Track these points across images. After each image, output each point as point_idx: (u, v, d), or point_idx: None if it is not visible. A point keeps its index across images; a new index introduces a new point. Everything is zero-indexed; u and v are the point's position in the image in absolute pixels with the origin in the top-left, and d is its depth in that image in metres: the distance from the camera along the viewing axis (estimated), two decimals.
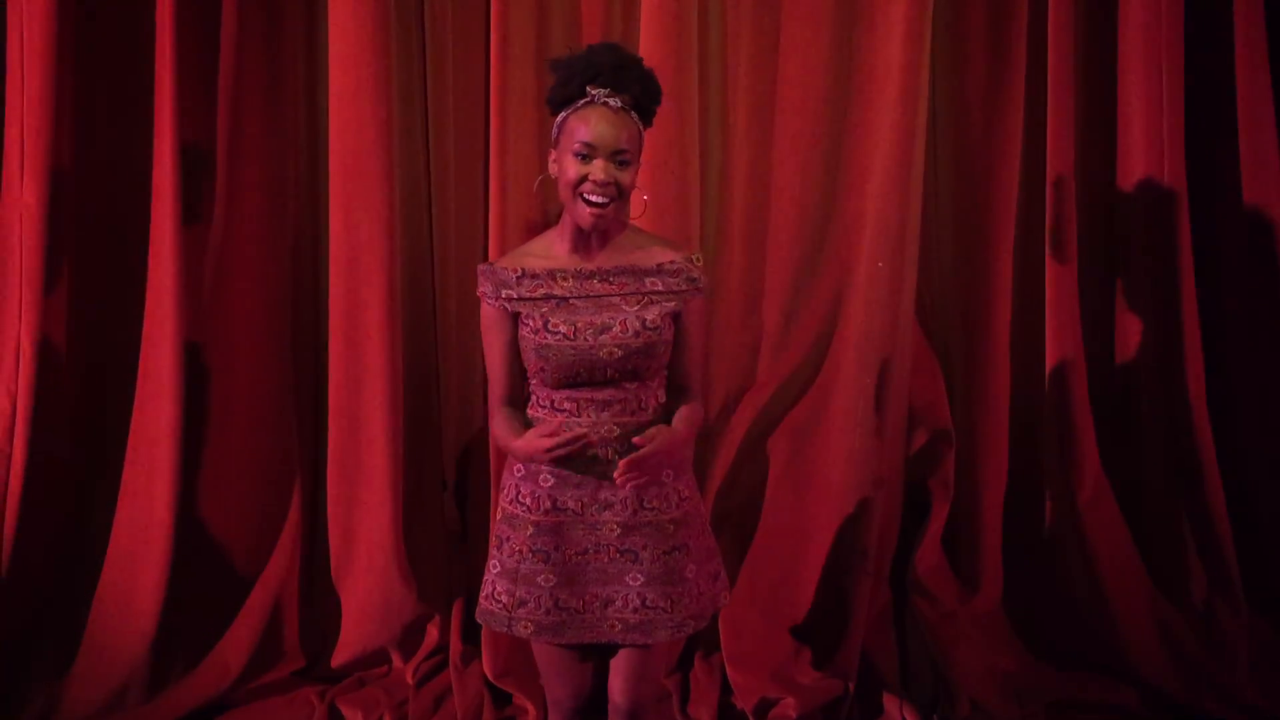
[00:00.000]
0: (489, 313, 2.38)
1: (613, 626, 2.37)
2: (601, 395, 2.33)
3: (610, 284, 2.34)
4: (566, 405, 2.34)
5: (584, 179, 2.26)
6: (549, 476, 2.36)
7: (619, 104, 2.28)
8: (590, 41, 3.32)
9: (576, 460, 2.33)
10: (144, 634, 3.31)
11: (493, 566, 2.43)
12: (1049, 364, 3.53)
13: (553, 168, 2.34)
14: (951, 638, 3.42)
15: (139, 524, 3.35)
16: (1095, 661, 3.42)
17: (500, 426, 2.38)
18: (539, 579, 2.37)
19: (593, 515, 2.36)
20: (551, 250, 2.38)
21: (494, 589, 2.41)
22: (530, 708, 3.24)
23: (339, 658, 3.47)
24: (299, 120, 3.45)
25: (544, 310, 2.32)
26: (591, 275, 2.34)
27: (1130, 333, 3.55)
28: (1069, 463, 3.52)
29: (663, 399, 2.41)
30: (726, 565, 3.42)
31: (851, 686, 3.28)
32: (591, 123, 2.26)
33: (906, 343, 3.47)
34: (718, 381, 3.51)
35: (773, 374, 3.54)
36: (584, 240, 2.35)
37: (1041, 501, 3.57)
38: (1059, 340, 3.49)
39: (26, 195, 3.24)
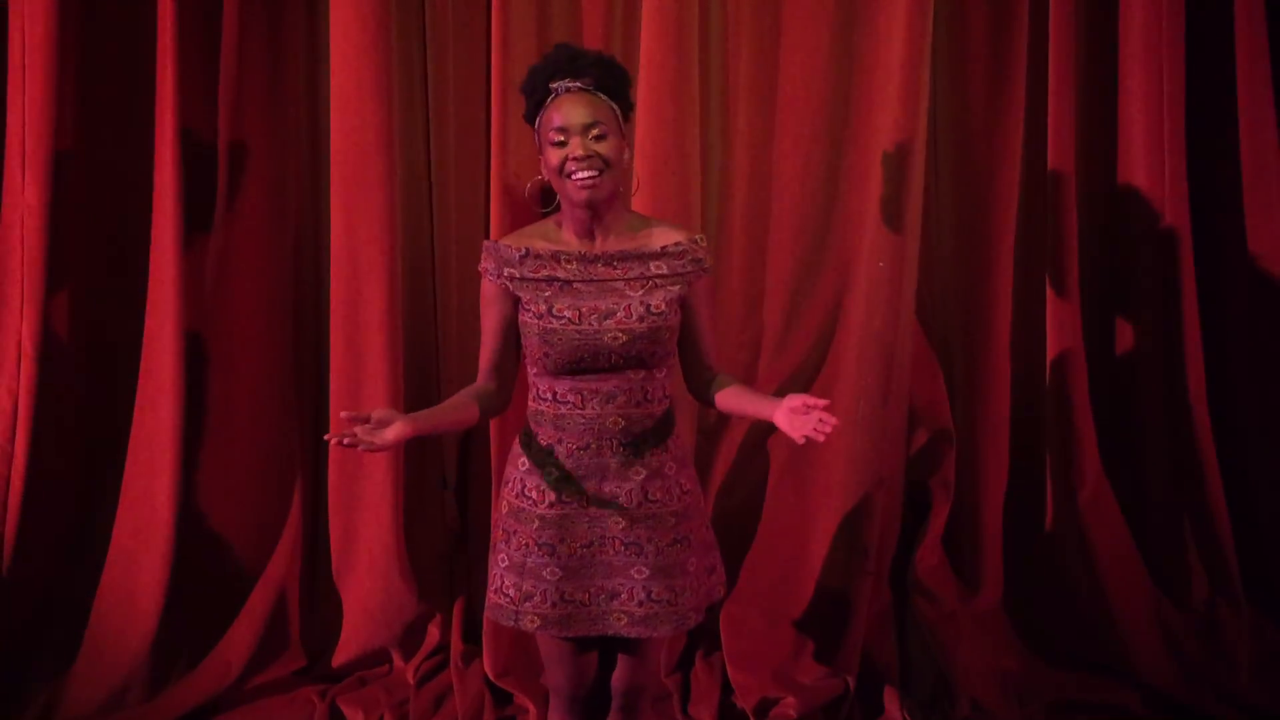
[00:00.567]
0: (489, 288, 2.39)
1: (618, 619, 2.39)
2: (606, 386, 2.34)
3: (614, 268, 2.35)
4: (570, 398, 2.35)
5: (565, 160, 2.29)
6: (553, 469, 2.38)
7: (580, 86, 2.33)
8: (591, 41, 3.34)
9: (583, 454, 2.35)
10: (145, 633, 3.31)
11: (500, 561, 2.44)
12: (1049, 363, 3.53)
13: (542, 170, 2.37)
14: (952, 637, 3.42)
15: (140, 523, 3.36)
16: (1096, 661, 3.42)
17: (451, 397, 2.40)
18: (544, 572, 2.38)
19: (597, 508, 2.38)
20: (556, 234, 2.40)
21: (502, 583, 2.43)
22: (531, 707, 3.24)
23: (340, 657, 3.47)
24: (300, 119, 3.45)
25: (547, 295, 2.33)
26: (596, 259, 2.35)
27: (1131, 332, 3.55)
28: (1069, 462, 3.52)
29: (669, 390, 2.43)
30: (728, 564, 3.42)
31: (852, 686, 3.28)
32: (560, 109, 2.31)
33: (907, 342, 3.47)
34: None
35: (774, 373, 3.54)
36: (586, 224, 2.36)
37: (1042, 501, 3.57)
38: (1059, 339, 3.50)
39: (28, 194, 3.24)
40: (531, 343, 2.35)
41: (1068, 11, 3.36)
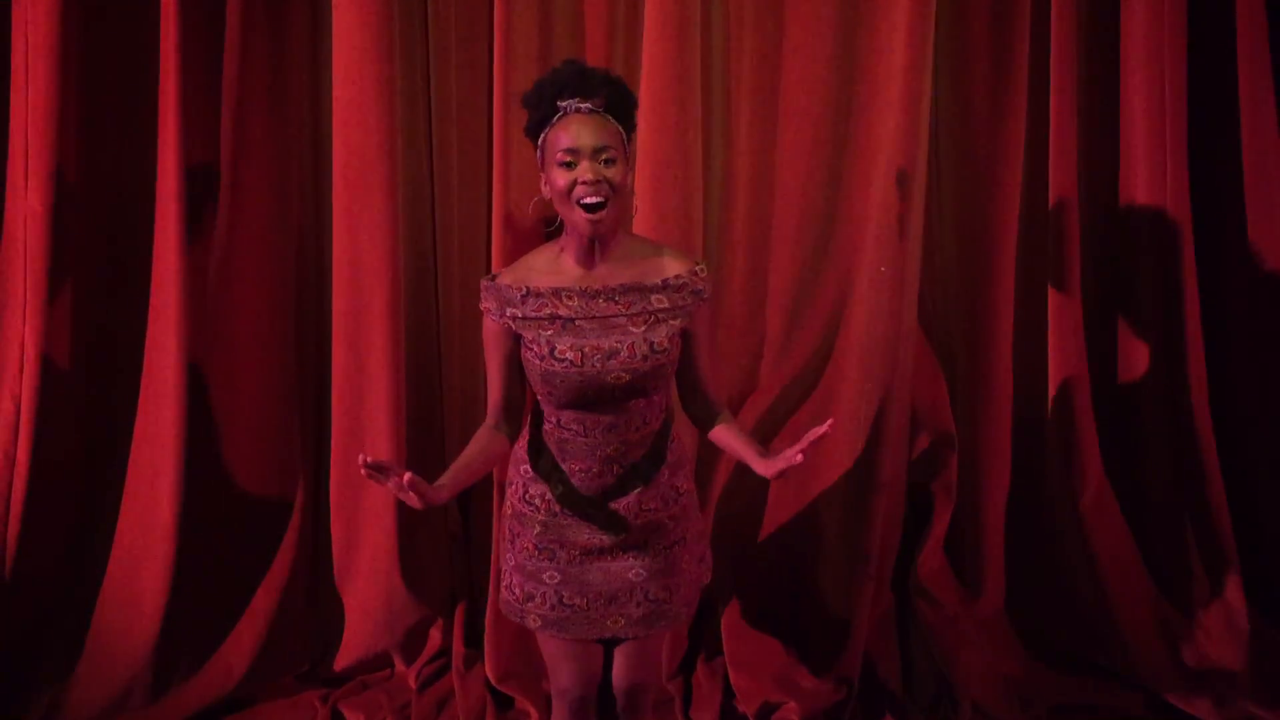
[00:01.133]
0: (491, 328, 2.38)
1: (616, 623, 2.42)
2: (608, 418, 2.35)
3: (616, 303, 2.33)
4: (574, 426, 2.37)
5: (573, 184, 2.25)
6: (558, 484, 2.41)
7: (590, 107, 2.29)
8: (594, 47, 3.35)
9: (584, 474, 2.38)
10: (148, 637, 3.31)
11: (508, 560, 2.49)
12: (1051, 367, 3.53)
13: (545, 189, 2.33)
14: (954, 641, 3.42)
15: (143, 527, 3.36)
16: (1098, 665, 3.42)
17: (471, 441, 2.43)
18: (544, 576, 2.42)
19: (596, 518, 2.41)
20: (556, 264, 2.37)
21: (510, 580, 2.48)
22: (532, 711, 3.25)
23: (341, 661, 3.47)
24: (303, 126, 3.45)
25: (549, 334, 2.32)
26: (597, 294, 2.33)
27: (1133, 335, 3.55)
28: (1072, 466, 3.52)
29: (663, 409, 2.44)
30: (730, 568, 3.45)
31: (854, 690, 3.28)
32: (569, 130, 2.27)
33: (909, 346, 3.46)
34: (721, 386, 3.51)
35: (775, 378, 3.54)
36: (588, 250, 2.34)
37: (1044, 505, 3.57)
38: (1061, 343, 3.50)
39: (31, 200, 3.24)
40: (534, 380, 2.36)
41: (1069, 17, 3.36)
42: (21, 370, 3.30)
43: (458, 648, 3.44)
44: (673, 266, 2.37)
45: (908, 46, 3.28)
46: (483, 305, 2.39)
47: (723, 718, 3.26)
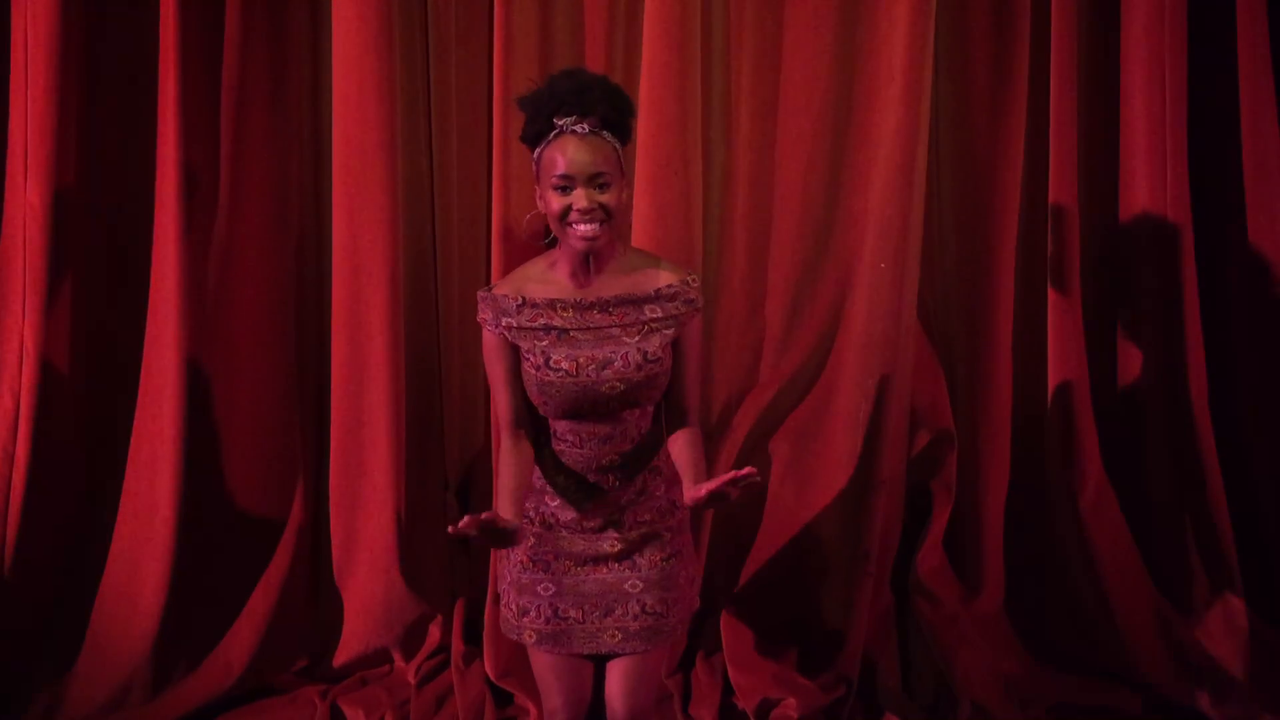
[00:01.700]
0: (490, 339, 2.39)
1: (612, 636, 2.40)
2: (602, 430, 2.36)
3: (610, 315, 2.34)
4: (569, 437, 2.38)
5: (568, 209, 2.26)
6: (553, 497, 2.41)
7: (587, 129, 2.27)
8: (593, 44, 3.34)
9: (580, 486, 2.39)
10: (147, 633, 3.31)
11: (503, 576, 2.49)
12: (1051, 366, 3.52)
13: (540, 203, 2.34)
14: (953, 640, 3.41)
15: (142, 523, 3.36)
16: (1097, 664, 3.42)
17: (499, 465, 2.44)
18: (539, 588, 2.41)
19: (591, 531, 2.41)
20: (551, 275, 2.38)
21: (506, 598, 2.47)
22: (531, 708, 3.24)
23: (341, 657, 3.47)
24: (302, 122, 3.45)
25: (544, 345, 2.33)
26: (591, 306, 2.34)
27: (1133, 334, 3.54)
28: (1071, 465, 3.51)
29: (658, 416, 2.44)
30: (729, 565, 3.45)
31: (853, 688, 3.28)
32: (565, 153, 2.26)
33: (909, 344, 3.46)
34: (719, 382, 3.51)
35: (775, 375, 3.54)
36: (582, 264, 2.35)
37: (1044, 503, 3.56)
38: (1061, 341, 3.49)
39: (31, 196, 3.24)
40: (531, 390, 2.37)
41: (1069, 15, 3.35)
42: (21, 367, 3.30)
43: (457, 644, 3.44)
44: (665, 277, 2.38)
45: (907, 44, 3.28)
46: (479, 317, 2.40)
47: (722, 714, 3.26)
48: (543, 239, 2.42)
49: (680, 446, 2.41)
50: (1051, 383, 3.52)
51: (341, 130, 3.28)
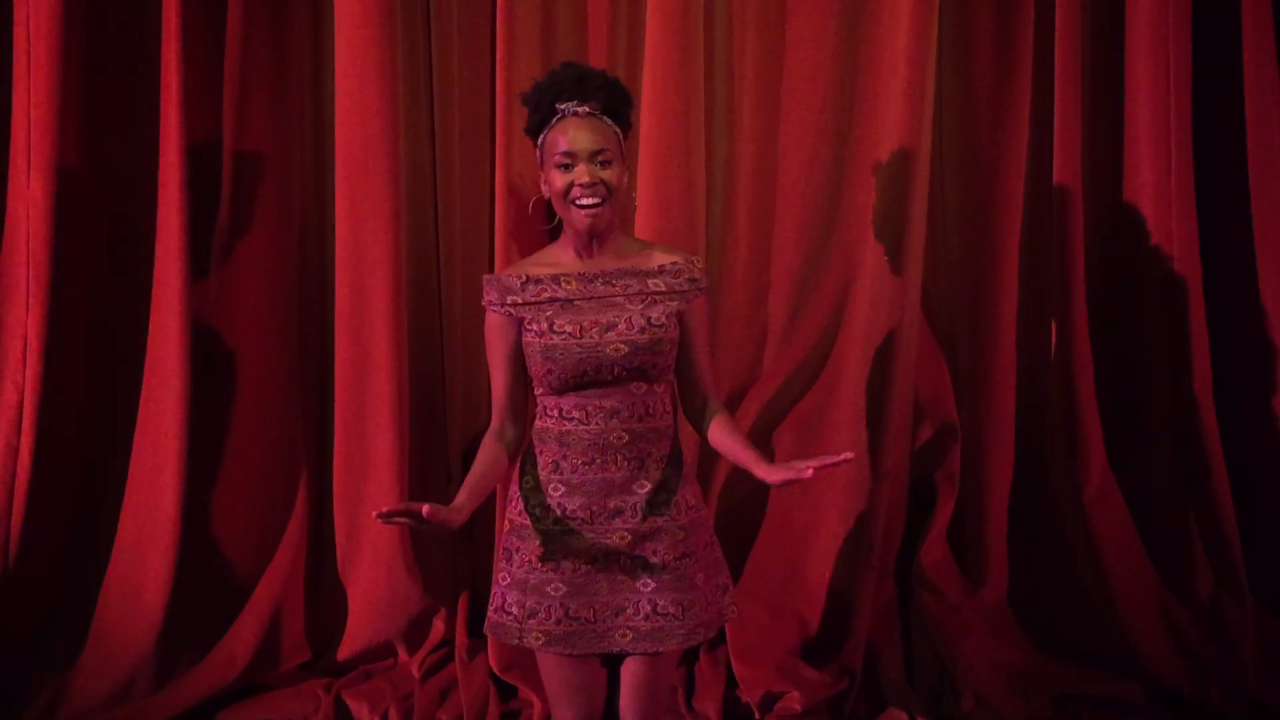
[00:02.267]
0: (493, 320, 2.39)
1: (624, 635, 2.35)
2: (610, 402, 2.34)
3: (613, 285, 2.37)
4: (575, 414, 2.35)
5: (570, 185, 2.31)
6: (558, 485, 2.37)
7: (587, 110, 2.35)
8: (596, 37, 3.34)
9: (587, 469, 2.35)
10: (151, 626, 3.32)
11: (501, 579, 2.42)
12: (1055, 357, 3.53)
13: (544, 189, 2.38)
14: (957, 632, 3.42)
15: (146, 517, 3.36)
16: (1101, 656, 3.42)
17: (479, 450, 2.42)
18: (549, 588, 2.36)
19: (602, 523, 2.36)
20: (555, 259, 2.42)
21: (504, 601, 2.40)
22: (535, 701, 3.25)
23: (345, 650, 3.47)
24: (305, 114, 3.45)
25: (548, 314, 2.34)
26: (595, 278, 2.37)
27: (1136, 327, 3.55)
28: (1075, 457, 3.51)
29: (669, 405, 2.42)
30: (732, 558, 3.44)
31: (856, 680, 3.29)
32: (566, 133, 2.32)
33: (912, 336, 3.46)
34: (723, 375, 3.51)
35: (778, 368, 3.54)
36: (586, 246, 2.38)
37: (1047, 496, 3.57)
38: (1065, 333, 3.50)
39: (33, 189, 3.24)
40: (535, 361, 2.35)
41: (1073, 5, 3.35)
42: (25, 359, 3.30)
43: (461, 637, 3.44)
44: (669, 256, 2.43)
45: (911, 36, 3.28)
46: (484, 300, 2.40)
47: (726, 707, 3.26)
48: (546, 224, 2.46)
49: (728, 440, 2.41)
50: (1055, 374, 3.52)
51: (344, 122, 3.28)
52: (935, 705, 3.26)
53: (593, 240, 2.37)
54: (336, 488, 3.45)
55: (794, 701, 3.23)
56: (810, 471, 2.12)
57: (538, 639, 2.36)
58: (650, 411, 2.37)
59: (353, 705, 3.29)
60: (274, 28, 3.37)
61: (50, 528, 3.35)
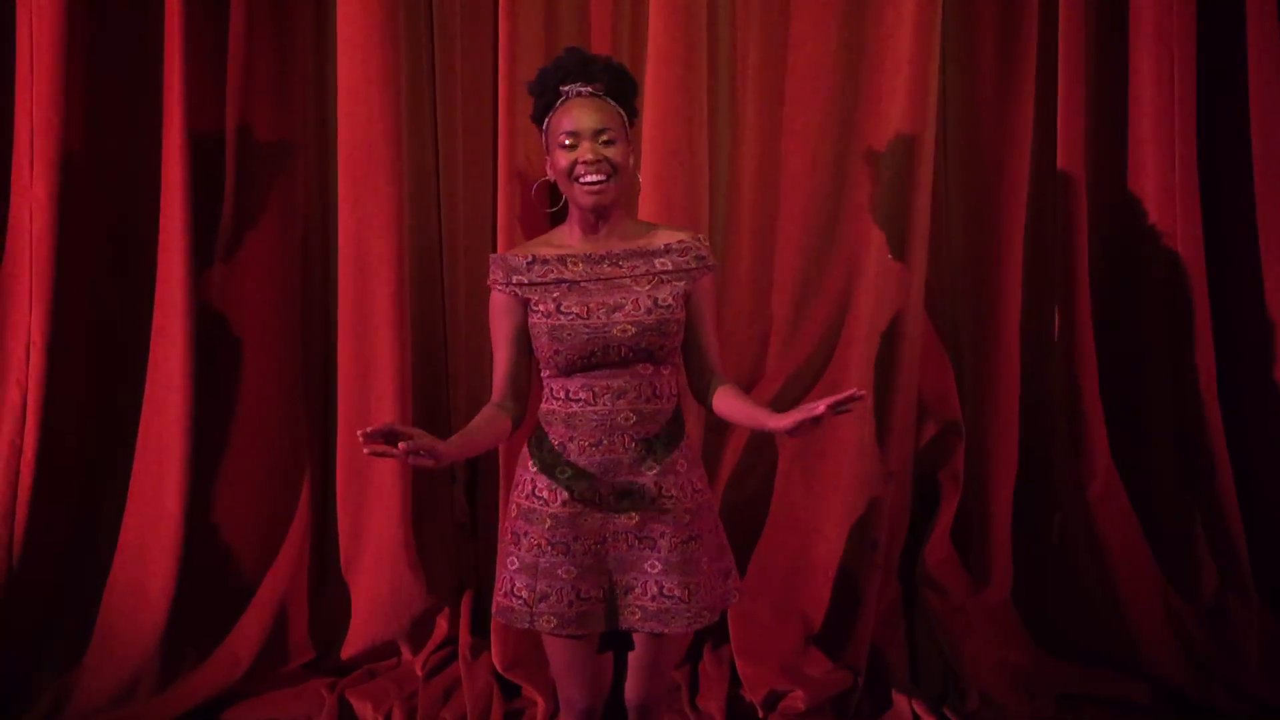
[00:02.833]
0: (498, 299, 2.41)
1: (632, 614, 2.38)
2: (616, 382, 2.35)
3: (620, 267, 2.38)
4: (582, 395, 2.36)
5: (574, 164, 2.33)
6: (566, 468, 2.38)
7: (591, 91, 2.38)
8: (599, 35, 3.33)
9: (595, 450, 2.36)
10: (155, 626, 3.32)
11: (510, 563, 2.42)
12: (1059, 355, 3.52)
13: (549, 172, 2.41)
14: (961, 630, 3.41)
15: (149, 517, 3.36)
16: (1105, 655, 3.42)
17: (478, 415, 2.39)
18: (560, 571, 2.37)
19: (611, 504, 2.38)
20: (561, 240, 2.44)
21: (513, 585, 2.40)
22: (539, 699, 3.25)
23: (348, 650, 3.47)
24: (308, 112, 3.45)
25: (555, 295, 2.36)
26: (602, 259, 2.38)
27: (1141, 325, 3.54)
28: (1079, 455, 3.51)
29: (675, 388, 2.43)
30: (736, 557, 3.43)
31: (861, 679, 3.29)
32: (570, 113, 2.36)
33: (916, 334, 3.46)
34: (727, 374, 3.50)
35: (781, 367, 3.53)
36: (591, 228, 2.40)
37: (1052, 494, 3.57)
38: (1069, 331, 3.49)
39: (36, 189, 3.24)
40: (542, 342, 2.36)
41: (1077, 3, 3.34)
42: (28, 359, 3.30)
43: (464, 636, 3.44)
44: (675, 235, 2.45)
45: (914, 33, 3.28)
46: (490, 279, 2.42)
47: (729, 706, 3.26)
48: (550, 206, 2.48)
49: (733, 402, 2.41)
50: (1060, 373, 3.52)
51: (347, 121, 3.28)
52: (939, 704, 3.25)
53: (598, 220, 2.39)
54: (340, 487, 3.45)
55: (798, 700, 3.22)
56: (821, 408, 2.09)
57: (549, 622, 2.37)
58: (657, 393, 2.38)
59: (356, 705, 3.29)
60: (276, 25, 3.36)
61: (54, 527, 3.35)
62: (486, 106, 3.43)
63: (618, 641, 2.47)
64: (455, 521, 3.60)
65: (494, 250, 3.41)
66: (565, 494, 2.37)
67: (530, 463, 2.42)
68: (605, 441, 2.36)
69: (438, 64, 3.46)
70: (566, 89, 2.38)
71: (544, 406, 2.42)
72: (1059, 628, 3.50)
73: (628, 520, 2.37)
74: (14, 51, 3.30)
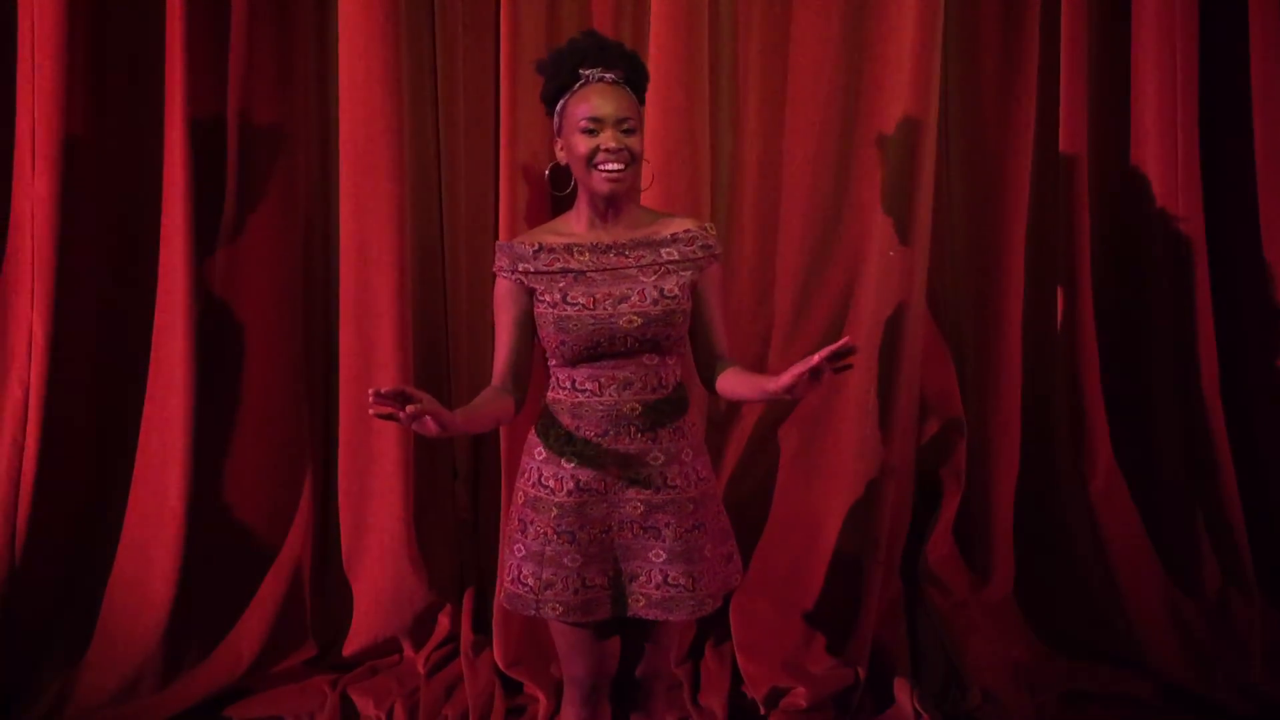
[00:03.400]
0: (503, 287, 2.41)
1: (636, 601, 2.40)
2: (623, 373, 2.36)
3: (626, 257, 2.38)
4: (588, 385, 2.37)
5: (596, 150, 2.32)
6: (572, 457, 2.39)
7: (613, 78, 2.37)
8: (601, 29, 3.32)
9: (601, 440, 2.37)
10: (157, 622, 3.32)
11: (516, 551, 2.44)
12: (1061, 352, 3.52)
13: (561, 155, 2.40)
14: (963, 627, 3.41)
15: (151, 513, 3.36)
16: (1107, 651, 3.42)
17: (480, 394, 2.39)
18: (565, 560, 2.38)
19: (616, 493, 2.39)
20: (568, 228, 2.44)
21: (519, 572, 2.42)
22: (541, 696, 3.25)
23: (351, 646, 3.48)
24: (309, 108, 3.45)
25: (561, 285, 2.36)
26: (608, 249, 2.38)
27: (1143, 320, 3.54)
28: (1081, 451, 3.51)
29: (680, 376, 2.44)
30: (740, 556, 3.44)
31: (862, 676, 3.28)
32: (592, 99, 2.34)
33: (918, 331, 3.46)
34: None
35: (784, 363, 3.53)
36: (600, 215, 2.40)
37: (1054, 491, 3.56)
38: (1071, 328, 3.49)
39: (38, 185, 3.24)
40: (548, 332, 2.37)
41: (1080, 2, 3.35)
42: (30, 357, 3.30)
43: (466, 634, 3.44)
44: (682, 224, 2.45)
45: (917, 29, 3.28)
46: (495, 266, 2.43)
47: (731, 703, 3.26)
48: (562, 189, 2.47)
49: (732, 377, 2.41)
50: (1062, 369, 3.52)
51: (348, 119, 3.28)
52: (942, 701, 3.25)
53: (609, 208, 2.39)
54: (341, 483, 3.45)
55: (800, 697, 3.22)
56: (817, 359, 2.11)
57: (555, 609, 2.39)
58: (663, 383, 2.39)
59: (358, 701, 3.30)
60: (278, 21, 3.35)
61: (56, 524, 3.34)
62: (488, 104, 3.43)
63: (623, 620, 2.48)
64: (457, 518, 3.61)
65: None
66: (571, 483, 2.39)
67: (536, 451, 2.43)
68: (611, 431, 2.37)
69: (439, 62, 3.45)
70: (586, 73, 2.36)
71: (550, 396, 2.43)
72: (1061, 624, 3.50)
73: (633, 509, 2.39)
74: (15, 46, 3.30)
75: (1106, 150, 3.53)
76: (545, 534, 2.39)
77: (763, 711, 3.23)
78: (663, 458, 2.39)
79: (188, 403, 3.31)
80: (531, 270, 2.38)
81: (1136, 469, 3.53)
